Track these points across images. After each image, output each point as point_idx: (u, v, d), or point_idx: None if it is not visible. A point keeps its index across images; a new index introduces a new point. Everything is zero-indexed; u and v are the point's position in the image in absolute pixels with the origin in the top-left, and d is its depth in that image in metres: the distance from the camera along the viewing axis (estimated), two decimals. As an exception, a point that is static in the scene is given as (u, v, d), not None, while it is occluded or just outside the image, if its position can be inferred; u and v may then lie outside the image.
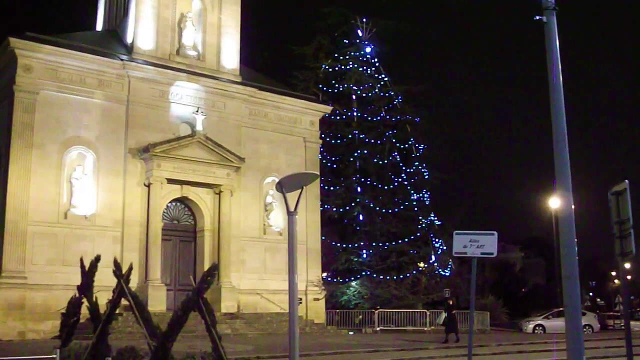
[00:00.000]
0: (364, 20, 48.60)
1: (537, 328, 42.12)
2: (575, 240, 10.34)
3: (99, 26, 38.76)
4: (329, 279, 42.04)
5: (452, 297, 36.26)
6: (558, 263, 21.80)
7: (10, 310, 28.19)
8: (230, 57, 36.31)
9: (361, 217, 44.24)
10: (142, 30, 33.86)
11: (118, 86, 32.46)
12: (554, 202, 41.11)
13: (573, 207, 10.44)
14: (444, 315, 33.65)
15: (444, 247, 44.90)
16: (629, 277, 60.75)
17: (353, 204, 44.08)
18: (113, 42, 34.53)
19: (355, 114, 46.79)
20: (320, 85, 47.06)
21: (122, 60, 32.53)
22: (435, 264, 44.98)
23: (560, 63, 10.66)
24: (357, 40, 48.43)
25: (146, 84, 33.08)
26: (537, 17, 10.69)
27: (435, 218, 46.54)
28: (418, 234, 45.08)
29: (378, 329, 38.26)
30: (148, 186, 32.03)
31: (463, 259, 25.85)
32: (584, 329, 14.97)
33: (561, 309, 33.71)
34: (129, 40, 34.18)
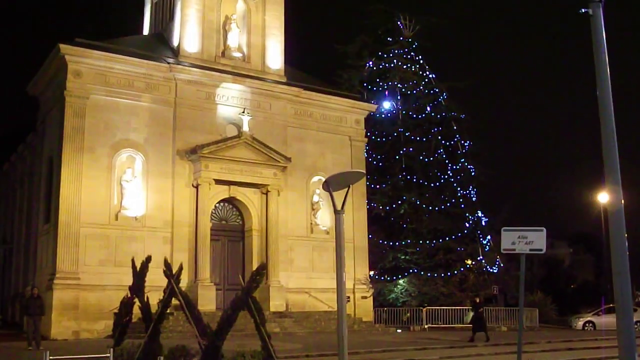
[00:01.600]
0: (407, 17, 48.38)
1: (587, 325, 41.49)
2: (626, 235, 10.20)
3: (146, 30, 39.30)
4: (377, 277, 42.01)
5: (479, 295, 36.01)
6: (608, 259, 21.51)
7: (64, 310, 28.83)
8: (275, 58, 36.54)
9: (408, 215, 44.08)
10: (187, 33, 34.28)
11: (165, 89, 32.91)
12: (603, 197, 40.46)
13: (623, 202, 10.30)
14: (471, 313, 33.35)
15: (492, 244, 44.51)
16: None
17: (399, 202, 43.94)
18: (160, 46, 35.02)
19: (400, 111, 46.63)
20: (365, 84, 47.02)
21: (168, 63, 32.98)
22: (483, 261, 44.60)
23: (608, 57, 10.52)
24: (401, 38, 48.23)
25: (193, 86, 33.49)
26: (583, 10, 10.54)
27: (482, 215, 46.14)
28: (465, 231, 44.76)
29: (426, 326, 38.14)
30: (196, 187, 32.41)
31: (511, 255, 25.57)
32: (636, 326, 14.73)
33: (612, 305, 33.20)
34: (175, 43, 34.61)
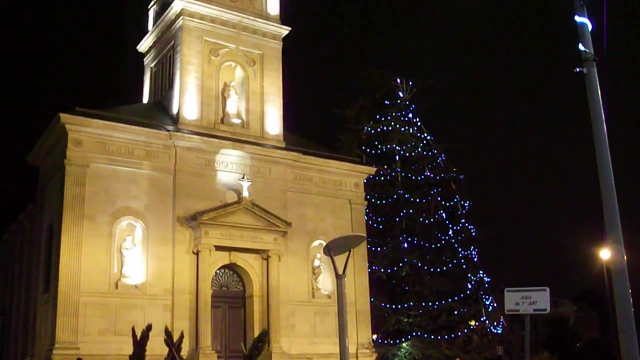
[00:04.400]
0: (404, 80, 48.94)
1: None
2: (630, 291, 10.15)
3: (145, 98, 39.75)
4: (380, 340, 41.46)
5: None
6: (613, 316, 21.29)
7: (64, 381, 28.36)
8: (274, 123, 36.87)
9: (409, 277, 43.78)
10: (187, 101, 34.65)
11: (165, 156, 33.10)
12: (605, 254, 40.27)
13: (625, 257, 10.27)
14: None
15: (495, 304, 44.10)
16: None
17: (401, 264, 43.67)
18: (159, 114, 35.36)
19: (399, 173, 46.76)
20: (364, 147, 47.25)
21: (168, 131, 33.25)
22: (487, 322, 44.11)
23: (604, 112, 10.61)
24: (398, 101, 48.67)
25: (192, 153, 33.69)
26: (578, 69, 10.71)
27: (485, 275, 45.85)
28: (468, 292, 44.37)
29: (432, 390, 37.50)
30: (197, 254, 32.29)
31: (515, 315, 25.35)
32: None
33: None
34: (174, 111, 34.96)
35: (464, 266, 45.01)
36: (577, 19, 11.35)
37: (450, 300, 43.18)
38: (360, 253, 37.20)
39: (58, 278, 29.44)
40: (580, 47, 10.89)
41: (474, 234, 46.28)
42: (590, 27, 11.02)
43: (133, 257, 31.26)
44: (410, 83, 48.80)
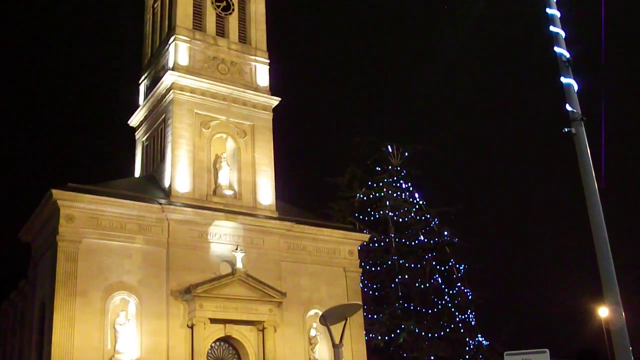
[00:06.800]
0: (395, 146, 49.38)
1: None
2: (630, 349, 10.04)
3: (137, 172, 39.84)
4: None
5: None
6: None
7: None
8: (266, 194, 36.92)
9: (407, 344, 43.30)
10: (178, 174, 34.74)
11: (158, 230, 32.98)
12: (603, 312, 39.96)
13: (624, 314, 10.19)
14: None
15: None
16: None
17: (398, 331, 43.29)
18: (151, 187, 35.39)
19: (393, 239, 46.74)
20: (357, 214, 47.39)
21: (160, 204, 33.22)
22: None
23: (594, 171, 10.65)
24: (389, 167, 49.05)
25: (185, 225, 33.59)
26: (566, 129, 10.80)
27: (483, 338, 45.43)
28: (467, 356, 43.91)
29: None
30: (191, 327, 31.88)
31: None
32: None
33: None
34: (166, 184, 35.01)
35: (462, 330, 44.67)
36: (563, 80, 11.52)
37: (449, 365, 42.71)
38: (357, 321, 36.75)
39: (51, 356, 28.92)
40: (568, 107, 11.01)
41: (470, 297, 46.07)
42: (576, 87, 11.18)
43: (127, 333, 30.81)
44: (401, 149, 49.28)
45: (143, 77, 40.86)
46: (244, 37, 40.10)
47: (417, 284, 44.84)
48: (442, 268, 46.29)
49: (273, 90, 39.33)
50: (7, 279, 42.28)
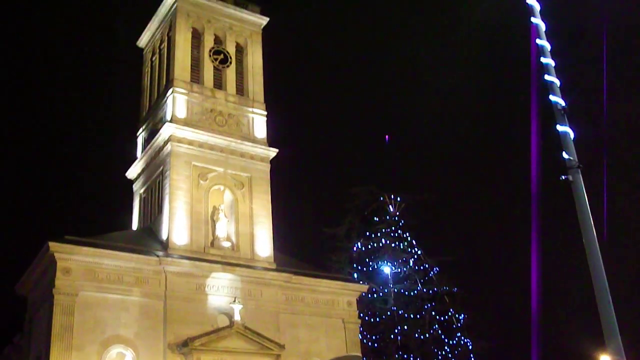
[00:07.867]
0: (392, 196, 49.38)
1: None
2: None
3: (135, 225, 39.71)
4: None
5: None
6: None
7: None
8: (264, 245, 36.76)
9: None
10: (176, 226, 34.63)
11: (155, 282, 32.73)
12: (606, 361, 39.44)
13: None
14: None
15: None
16: None
17: (398, 383, 42.73)
18: (149, 239, 35.22)
19: (391, 290, 46.42)
20: (355, 265, 47.15)
21: (158, 256, 33.03)
22: None
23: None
24: (387, 217, 48.96)
25: (182, 278, 33.34)
26: (563, 177, 10.78)
27: (484, 390, 44.86)
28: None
29: None
30: (189, 381, 31.42)
31: None
32: None
33: None
34: (164, 236, 34.86)
35: (463, 382, 44.10)
36: (559, 127, 11.56)
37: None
38: (357, 373, 36.34)
39: (46, 413, 28.45)
40: (564, 155, 11.02)
41: (470, 347, 45.58)
42: (572, 135, 11.22)
43: (123, 388, 30.36)
44: (399, 199, 49.26)
45: (141, 130, 41.03)
46: (241, 89, 40.45)
47: (416, 335, 44.41)
48: (442, 318, 45.89)
49: (270, 141, 39.51)
50: (1, 333, 41.77)
